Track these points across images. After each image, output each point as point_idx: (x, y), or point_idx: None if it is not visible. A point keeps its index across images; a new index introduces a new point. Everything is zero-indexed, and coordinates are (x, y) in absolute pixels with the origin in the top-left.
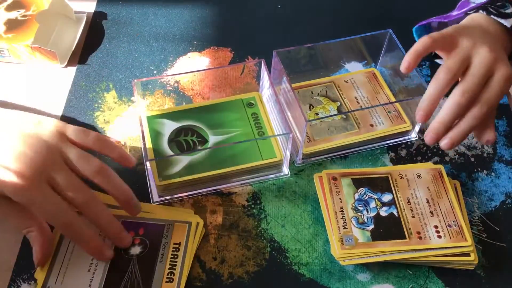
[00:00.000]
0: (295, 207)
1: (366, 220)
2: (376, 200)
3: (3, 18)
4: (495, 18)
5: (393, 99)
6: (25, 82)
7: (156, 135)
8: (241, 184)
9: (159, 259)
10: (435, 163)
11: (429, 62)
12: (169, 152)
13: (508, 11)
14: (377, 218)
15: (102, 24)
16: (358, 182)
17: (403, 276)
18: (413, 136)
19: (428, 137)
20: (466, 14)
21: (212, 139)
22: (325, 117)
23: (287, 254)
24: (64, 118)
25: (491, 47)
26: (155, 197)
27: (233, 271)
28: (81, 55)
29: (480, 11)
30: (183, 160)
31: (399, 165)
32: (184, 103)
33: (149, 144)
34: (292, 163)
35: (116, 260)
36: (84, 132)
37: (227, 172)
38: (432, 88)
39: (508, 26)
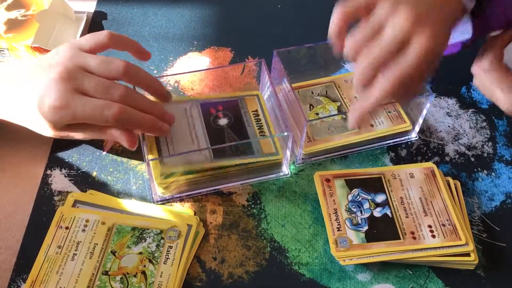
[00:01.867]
0: (295, 207)
1: (360, 221)
2: (370, 201)
3: (3, 18)
4: None
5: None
6: None
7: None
8: (241, 184)
9: None
10: (435, 163)
11: None
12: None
13: None
14: (371, 219)
15: (102, 24)
16: (351, 183)
17: (403, 276)
18: (413, 136)
19: (352, 115)
20: None
21: None
22: (325, 117)
23: (287, 254)
24: None
25: (414, 8)
26: (155, 197)
27: (233, 271)
28: None
29: None
30: (184, 160)
31: (394, 165)
32: None
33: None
34: (292, 163)
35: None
36: (94, 35)
37: (227, 172)
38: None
39: None
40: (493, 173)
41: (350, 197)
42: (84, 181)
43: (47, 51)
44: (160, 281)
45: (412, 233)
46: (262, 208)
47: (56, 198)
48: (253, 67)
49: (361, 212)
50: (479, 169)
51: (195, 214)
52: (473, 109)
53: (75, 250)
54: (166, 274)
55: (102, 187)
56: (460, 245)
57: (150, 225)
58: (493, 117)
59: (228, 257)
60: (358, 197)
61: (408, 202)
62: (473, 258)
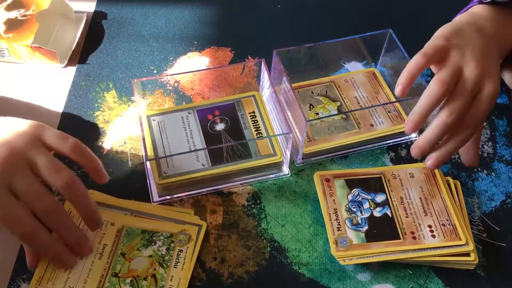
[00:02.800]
0: (295, 207)
1: (360, 221)
2: (370, 201)
3: (3, 17)
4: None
5: (393, 99)
6: (25, 82)
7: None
8: (241, 184)
9: None
10: None
11: None
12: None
13: None
14: (371, 219)
15: (102, 24)
16: (351, 183)
17: (403, 276)
18: (413, 136)
19: (413, 152)
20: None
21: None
22: (325, 117)
23: (287, 254)
24: (64, 118)
25: (480, 59)
26: (155, 197)
27: (233, 271)
28: (81, 55)
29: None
30: (183, 160)
31: (394, 165)
32: (184, 103)
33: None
34: (292, 163)
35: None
36: (63, 137)
37: (227, 172)
38: (424, 100)
39: None
40: (493, 173)
41: (350, 197)
42: (84, 181)
43: (47, 51)
44: (171, 285)
45: (412, 233)
46: (262, 208)
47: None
48: (253, 67)
49: (361, 212)
50: (479, 169)
51: (195, 214)
52: None
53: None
54: (176, 278)
55: (102, 187)
56: (460, 245)
57: (160, 228)
58: (493, 117)
59: (228, 257)
60: (358, 197)
61: (408, 202)
62: (473, 258)
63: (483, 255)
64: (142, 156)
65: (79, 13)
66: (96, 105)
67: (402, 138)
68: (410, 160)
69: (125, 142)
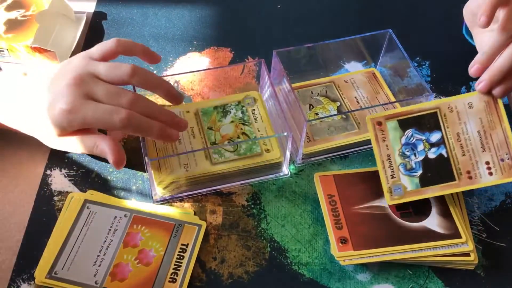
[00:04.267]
0: (295, 207)
1: (414, 165)
2: (424, 141)
3: (3, 18)
4: None
5: (393, 99)
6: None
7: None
8: (241, 184)
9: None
10: None
11: (429, 62)
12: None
13: None
14: (425, 162)
15: (102, 24)
16: (404, 124)
17: (403, 276)
18: None
19: (482, 85)
20: None
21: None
22: (325, 117)
23: (287, 254)
24: None
25: None
26: (155, 197)
27: (233, 271)
28: None
29: None
30: (183, 161)
31: (448, 98)
32: (183, 103)
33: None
34: (292, 163)
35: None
36: (103, 44)
37: (227, 172)
38: (492, 44)
39: None
40: None
41: (403, 140)
42: (84, 181)
43: (47, 51)
44: (261, 134)
45: (468, 172)
46: (262, 208)
47: (56, 198)
48: (253, 67)
49: (415, 155)
50: None
51: (195, 214)
52: None
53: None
54: (262, 128)
55: (102, 187)
56: (460, 245)
57: (228, 100)
58: None
59: (228, 257)
60: (412, 138)
61: (465, 138)
62: (473, 258)
63: (483, 255)
64: (142, 156)
65: (79, 13)
66: None
67: None
68: None
69: (125, 142)
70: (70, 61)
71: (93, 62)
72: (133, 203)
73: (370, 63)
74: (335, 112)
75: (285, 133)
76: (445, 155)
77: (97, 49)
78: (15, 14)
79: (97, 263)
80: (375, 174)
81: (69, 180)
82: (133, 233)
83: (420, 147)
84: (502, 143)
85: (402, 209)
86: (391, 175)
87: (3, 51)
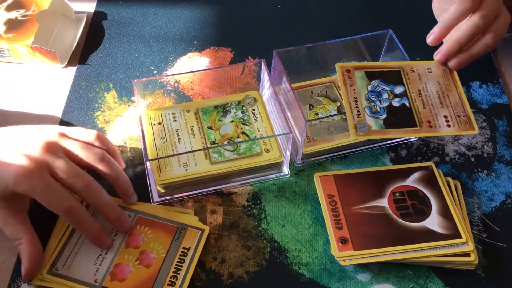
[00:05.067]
0: (295, 207)
1: (379, 109)
2: (389, 91)
3: (3, 18)
4: None
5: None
6: (25, 82)
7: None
8: (241, 184)
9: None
10: (435, 163)
11: None
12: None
13: None
14: (390, 108)
15: (102, 24)
16: (371, 75)
17: (403, 276)
18: (414, 138)
19: (439, 55)
20: None
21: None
22: (325, 117)
23: (287, 254)
24: (64, 118)
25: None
26: (155, 197)
27: (233, 271)
28: (81, 55)
29: None
30: (183, 160)
31: (410, 61)
32: (184, 103)
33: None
34: (292, 163)
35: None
36: (83, 131)
37: (227, 172)
38: (451, 14)
39: None
40: (493, 173)
41: (369, 88)
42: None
43: (47, 51)
44: (261, 134)
45: (429, 122)
46: (262, 208)
47: None
48: (253, 67)
49: (380, 102)
50: (479, 169)
51: (195, 214)
52: (473, 109)
53: (178, 135)
54: (262, 128)
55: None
56: (460, 245)
57: (228, 100)
58: (493, 117)
59: (228, 257)
60: (377, 87)
61: (426, 94)
62: (473, 258)
63: (483, 255)
64: (142, 156)
65: (79, 13)
66: (96, 105)
67: (402, 138)
68: (410, 160)
69: (125, 142)
70: (42, 127)
71: (67, 139)
72: (138, 204)
73: None
74: (335, 112)
75: (285, 133)
76: (408, 106)
77: (75, 132)
78: (15, 14)
79: (98, 262)
80: (376, 174)
81: None
82: (136, 234)
83: (385, 95)
84: (458, 103)
85: (402, 209)
86: (357, 114)
87: (3, 51)
